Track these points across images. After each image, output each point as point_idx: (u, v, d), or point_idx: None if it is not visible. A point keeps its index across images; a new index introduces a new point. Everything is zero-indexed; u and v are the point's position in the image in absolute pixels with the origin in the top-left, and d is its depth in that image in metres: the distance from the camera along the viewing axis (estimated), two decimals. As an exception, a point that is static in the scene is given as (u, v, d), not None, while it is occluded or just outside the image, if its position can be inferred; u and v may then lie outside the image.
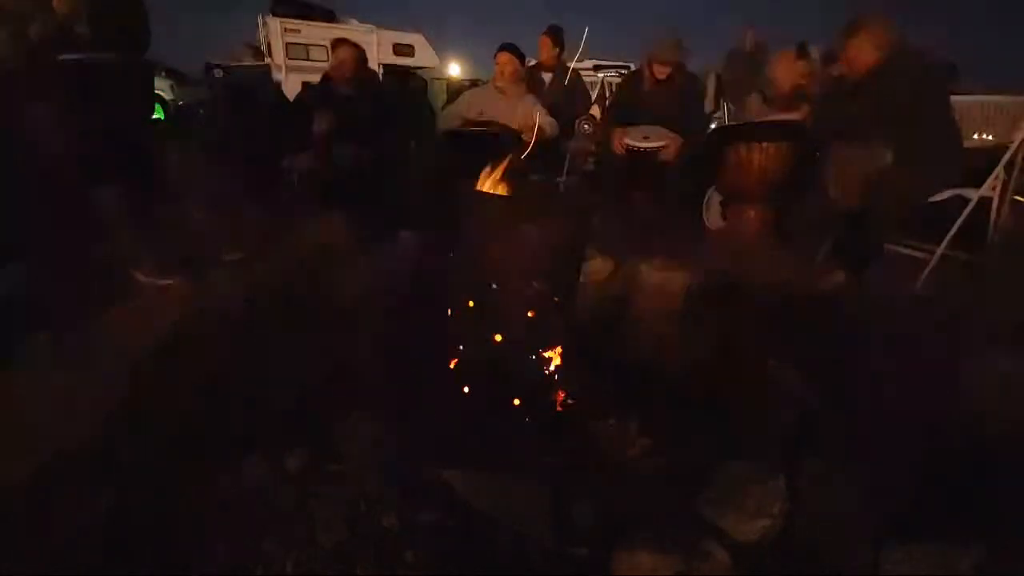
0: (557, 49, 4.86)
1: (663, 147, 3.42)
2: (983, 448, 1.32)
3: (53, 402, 1.44)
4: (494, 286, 1.60)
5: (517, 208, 1.67)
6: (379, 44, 9.90)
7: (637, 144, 3.45)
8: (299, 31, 9.28)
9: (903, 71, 2.36)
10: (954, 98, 2.65)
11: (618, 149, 3.50)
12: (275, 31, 9.09)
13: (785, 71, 3.14)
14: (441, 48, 11.82)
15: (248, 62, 4.72)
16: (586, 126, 4.87)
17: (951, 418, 1.43)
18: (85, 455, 1.27)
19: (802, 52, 3.12)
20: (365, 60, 3.68)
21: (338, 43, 3.60)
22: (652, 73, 3.64)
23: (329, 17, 9.71)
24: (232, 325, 1.88)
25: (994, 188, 2.44)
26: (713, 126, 4.84)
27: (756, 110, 3.40)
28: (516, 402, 1.62)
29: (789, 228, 2.94)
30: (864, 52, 2.43)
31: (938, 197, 2.44)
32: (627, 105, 3.81)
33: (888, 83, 2.38)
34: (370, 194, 3.35)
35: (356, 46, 3.57)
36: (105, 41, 2.12)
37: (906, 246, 2.65)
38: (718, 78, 5.27)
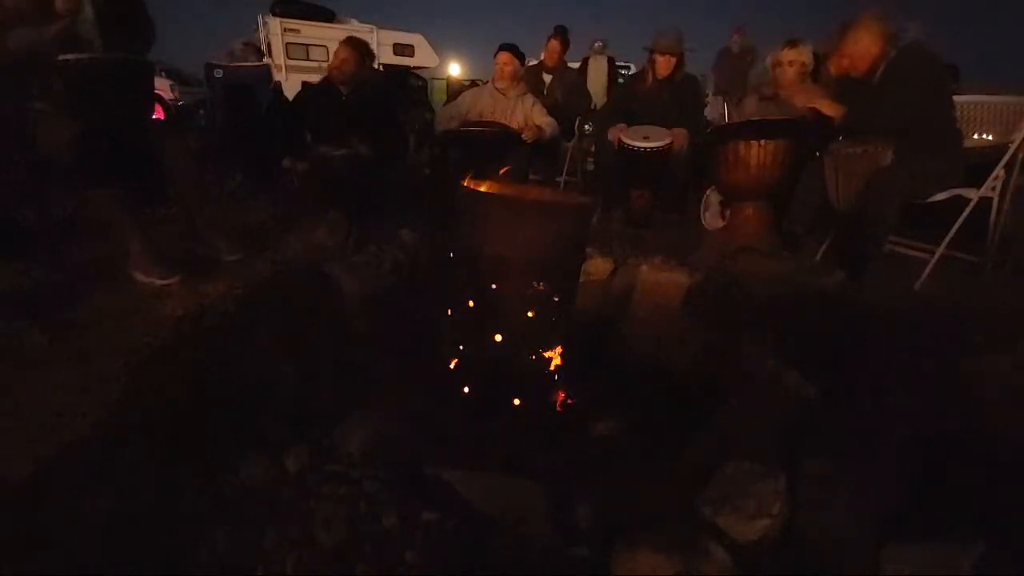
0: (562, 50, 4.88)
1: (663, 147, 3.42)
2: (983, 448, 1.32)
3: (53, 401, 1.45)
4: (494, 286, 1.60)
5: (517, 208, 1.66)
6: (379, 44, 9.92)
7: (636, 144, 3.45)
8: (299, 31, 9.30)
9: (910, 67, 2.36)
10: (955, 98, 2.64)
11: (613, 141, 3.52)
12: (275, 31, 9.11)
13: (779, 63, 3.13)
14: (441, 48, 11.82)
15: (250, 62, 4.73)
16: (586, 126, 4.88)
17: (951, 418, 1.43)
18: (85, 455, 1.27)
19: (792, 43, 3.11)
20: (364, 59, 3.67)
21: (339, 42, 3.59)
22: (653, 71, 3.64)
23: (329, 17, 9.72)
24: (232, 325, 1.88)
25: (994, 188, 2.44)
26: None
27: (754, 109, 3.39)
28: (516, 402, 1.62)
29: (788, 227, 2.94)
30: (863, 44, 2.43)
31: (938, 197, 2.44)
32: (627, 103, 3.82)
33: (895, 78, 2.38)
34: (370, 194, 3.35)
35: (354, 45, 3.57)
36: (110, 40, 2.12)
37: (906, 246, 2.65)
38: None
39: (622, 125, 3.58)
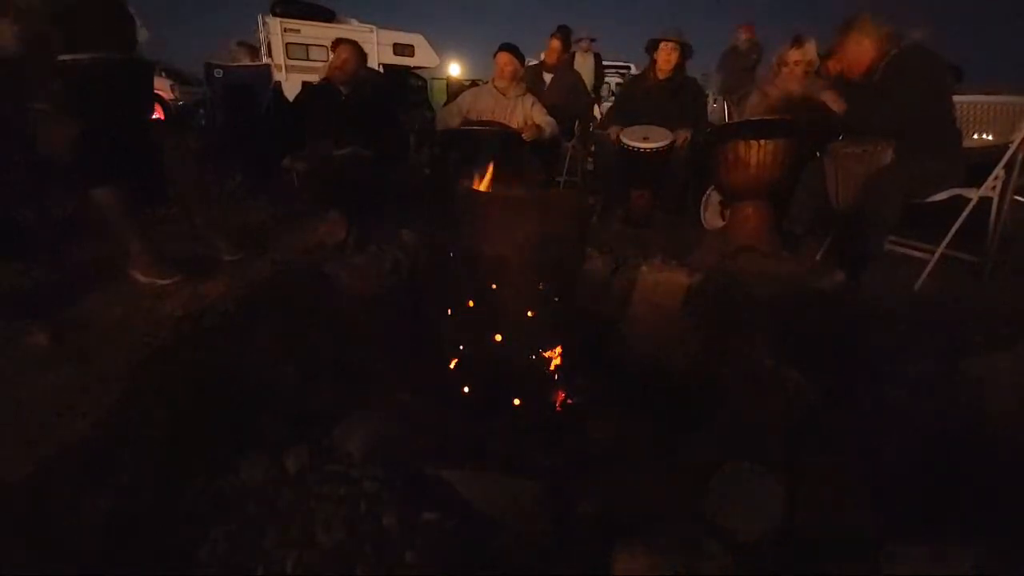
0: (563, 50, 4.89)
1: (662, 148, 3.42)
2: (983, 447, 1.32)
3: (53, 401, 1.45)
4: (494, 286, 1.60)
5: (517, 208, 1.66)
6: (379, 44, 9.92)
7: (635, 144, 3.45)
8: (299, 31, 9.30)
9: (910, 67, 2.36)
10: (954, 98, 2.64)
11: (613, 139, 3.53)
12: (275, 31, 9.10)
13: (785, 63, 3.14)
14: (441, 48, 11.82)
15: (243, 62, 4.74)
16: (589, 126, 4.88)
17: (951, 418, 1.43)
18: (85, 455, 1.27)
19: (798, 42, 3.12)
20: (365, 59, 3.67)
21: (338, 42, 3.60)
22: (655, 71, 3.65)
23: (329, 17, 9.72)
24: (232, 325, 1.88)
25: (994, 188, 2.44)
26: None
27: (757, 108, 3.39)
28: (516, 402, 1.62)
29: (788, 227, 2.94)
30: (860, 47, 2.44)
31: (938, 197, 2.44)
32: (629, 103, 3.83)
33: (895, 78, 2.38)
34: (370, 194, 3.35)
35: (356, 45, 3.57)
36: (83, 40, 2.10)
37: (906, 246, 2.65)
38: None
39: (619, 126, 3.59)
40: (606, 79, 6.79)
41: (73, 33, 2.06)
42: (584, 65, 5.94)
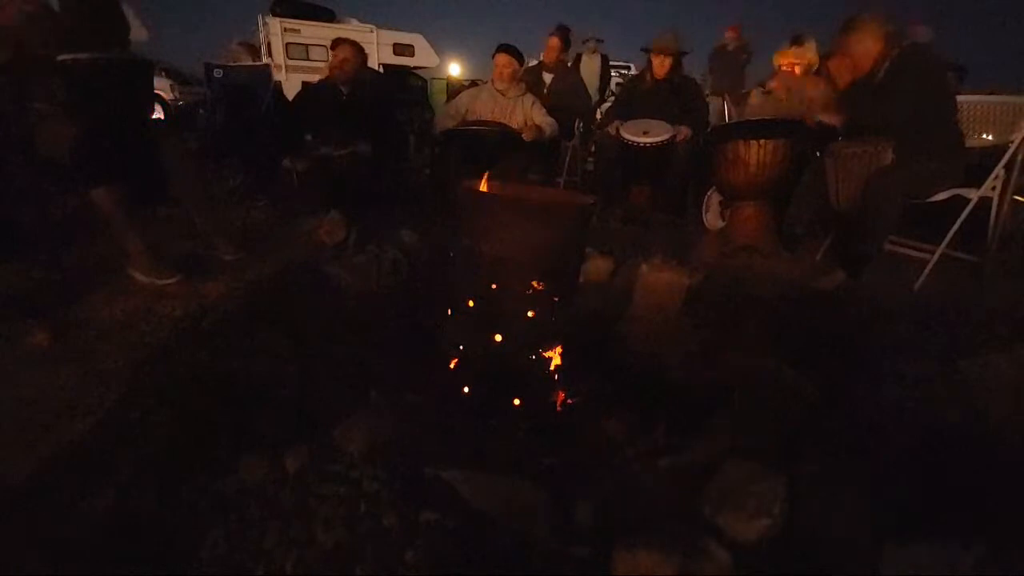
0: (562, 48, 4.90)
1: (662, 143, 3.42)
2: (983, 447, 1.32)
3: (53, 401, 1.45)
4: (494, 286, 1.60)
5: (518, 208, 1.66)
6: (379, 44, 9.92)
7: (635, 139, 3.45)
8: (299, 31, 9.31)
9: (912, 68, 2.37)
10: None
11: (613, 134, 3.54)
12: (275, 31, 9.11)
13: (785, 61, 3.15)
14: (441, 48, 11.83)
15: (243, 62, 4.75)
16: (586, 126, 4.88)
17: (951, 418, 1.43)
18: (85, 455, 1.27)
19: (797, 41, 3.13)
20: (365, 59, 3.68)
21: (338, 42, 3.60)
22: (653, 70, 3.66)
23: (329, 17, 9.72)
24: (232, 325, 1.88)
25: (994, 188, 2.44)
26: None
27: (757, 108, 3.40)
28: (516, 402, 1.62)
29: (788, 227, 2.94)
30: (862, 48, 2.45)
31: (938, 197, 2.44)
32: (628, 101, 3.84)
33: (896, 78, 2.38)
34: (370, 193, 3.35)
35: (356, 44, 3.57)
36: (81, 39, 2.09)
37: (906, 246, 2.65)
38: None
39: (619, 122, 3.60)
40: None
41: (73, 33, 2.06)
42: (591, 66, 5.94)
